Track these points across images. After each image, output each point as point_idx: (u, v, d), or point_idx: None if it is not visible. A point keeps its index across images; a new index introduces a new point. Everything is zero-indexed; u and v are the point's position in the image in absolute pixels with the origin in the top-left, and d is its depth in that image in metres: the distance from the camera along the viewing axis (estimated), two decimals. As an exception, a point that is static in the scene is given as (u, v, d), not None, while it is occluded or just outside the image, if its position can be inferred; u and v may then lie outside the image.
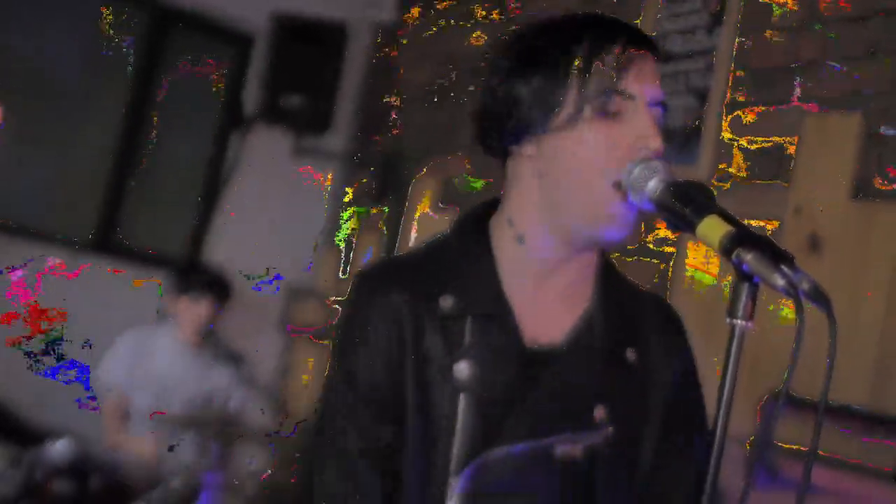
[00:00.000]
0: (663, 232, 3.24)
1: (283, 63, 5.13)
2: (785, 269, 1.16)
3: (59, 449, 3.49)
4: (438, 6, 5.16)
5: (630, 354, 1.45)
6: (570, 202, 1.39)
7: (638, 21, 3.63)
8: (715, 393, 1.22)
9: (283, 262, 5.41)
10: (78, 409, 4.44)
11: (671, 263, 3.21)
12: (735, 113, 3.20)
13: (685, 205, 1.28)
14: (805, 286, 1.16)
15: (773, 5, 3.16)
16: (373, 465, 1.39)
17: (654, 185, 1.32)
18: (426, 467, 1.37)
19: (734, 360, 1.20)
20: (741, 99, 3.19)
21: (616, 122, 1.37)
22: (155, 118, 5.47)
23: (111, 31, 5.39)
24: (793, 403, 1.43)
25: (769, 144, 3.07)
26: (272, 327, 5.54)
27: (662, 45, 3.48)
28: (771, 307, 2.49)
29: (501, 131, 1.43)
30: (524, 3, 4.44)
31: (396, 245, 4.86)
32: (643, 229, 3.29)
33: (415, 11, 5.37)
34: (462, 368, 1.38)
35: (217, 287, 4.40)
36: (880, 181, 2.69)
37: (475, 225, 1.49)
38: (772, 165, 3.04)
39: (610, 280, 1.50)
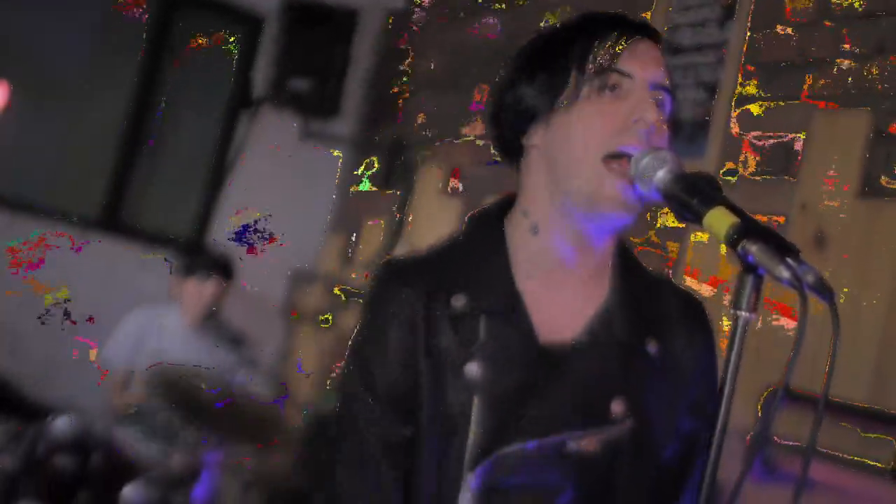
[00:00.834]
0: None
1: (292, 46, 5.13)
2: (790, 261, 1.16)
3: (61, 425, 3.51)
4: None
5: (651, 346, 1.44)
6: (567, 178, 1.40)
7: (649, 13, 3.63)
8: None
9: (287, 246, 5.42)
10: (81, 386, 4.46)
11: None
12: (744, 107, 3.20)
13: (692, 195, 1.28)
14: (810, 279, 1.16)
15: (786, 0, 3.15)
16: (391, 463, 1.40)
17: (662, 175, 1.32)
18: (441, 464, 1.38)
19: (737, 352, 1.20)
20: (750, 93, 3.19)
21: (615, 98, 1.39)
22: (163, 98, 5.47)
23: (121, 10, 5.39)
24: (792, 398, 1.43)
25: (777, 140, 3.07)
26: (276, 311, 5.56)
27: (672, 38, 3.47)
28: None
29: (512, 128, 1.46)
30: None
31: (403, 231, 4.86)
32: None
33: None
34: (473, 368, 1.38)
35: (221, 268, 4.41)
36: (887, 180, 2.69)
37: (490, 222, 1.50)
38: (779, 161, 3.04)
39: (629, 271, 1.50)
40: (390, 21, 5.61)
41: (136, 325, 4.32)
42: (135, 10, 5.33)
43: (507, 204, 1.51)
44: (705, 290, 3.01)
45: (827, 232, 2.78)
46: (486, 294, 1.42)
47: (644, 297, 1.48)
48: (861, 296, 2.62)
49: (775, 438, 2.48)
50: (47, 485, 3.41)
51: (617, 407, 1.40)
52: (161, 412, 3.70)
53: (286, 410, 4.41)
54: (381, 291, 1.46)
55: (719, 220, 1.24)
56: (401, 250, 4.79)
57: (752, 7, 3.25)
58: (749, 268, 1.20)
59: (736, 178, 3.12)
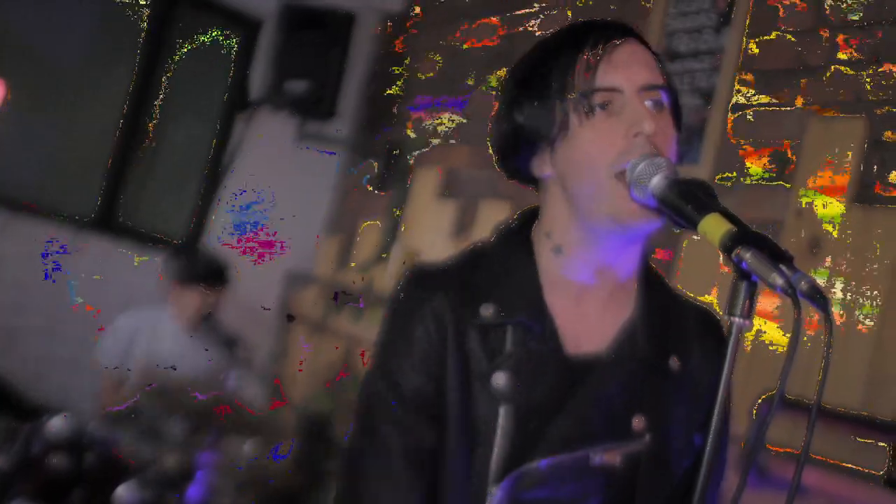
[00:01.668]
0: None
1: (290, 48, 5.14)
2: (784, 268, 1.17)
3: (55, 424, 3.50)
4: (447, -3, 5.16)
5: (673, 363, 1.45)
6: (585, 202, 1.40)
7: (645, 20, 3.64)
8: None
9: (283, 248, 5.42)
10: (76, 386, 4.46)
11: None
12: (739, 114, 3.21)
13: (687, 202, 1.29)
14: (804, 286, 1.16)
15: (781, 8, 3.16)
16: (414, 467, 1.38)
17: (657, 181, 1.33)
18: (466, 474, 1.37)
19: (730, 358, 1.21)
20: (746, 100, 3.20)
21: (609, 115, 1.38)
22: (160, 99, 5.47)
23: (119, 10, 5.39)
24: (786, 405, 1.43)
25: (772, 146, 3.08)
26: (271, 312, 5.55)
27: (669, 44, 3.48)
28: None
29: (518, 159, 1.47)
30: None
31: (398, 234, 4.87)
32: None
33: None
34: (500, 377, 1.37)
35: (215, 275, 4.40)
36: (881, 186, 2.71)
37: (518, 235, 1.50)
38: (774, 167, 3.05)
39: (653, 288, 1.50)
40: (388, 25, 5.62)
41: (129, 326, 4.31)
42: (133, 15, 5.33)
43: (532, 216, 1.51)
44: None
45: (821, 238, 2.79)
46: (514, 305, 1.41)
47: (666, 313, 1.49)
48: (855, 301, 2.63)
49: (768, 445, 2.48)
50: (41, 484, 3.41)
51: (638, 423, 1.40)
52: (154, 412, 3.70)
53: (280, 412, 4.41)
54: (410, 296, 1.44)
55: (714, 227, 1.24)
56: (396, 252, 4.79)
57: (748, 14, 3.26)
58: (743, 275, 1.20)
59: (731, 185, 3.13)
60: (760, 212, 2.94)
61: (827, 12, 3.01)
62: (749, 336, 2.78)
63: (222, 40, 5.59)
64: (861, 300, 2.63)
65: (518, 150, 1.45)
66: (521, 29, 4.46)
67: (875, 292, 2.61)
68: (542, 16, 4.32)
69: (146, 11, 5.39)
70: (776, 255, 1.18)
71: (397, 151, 5.11)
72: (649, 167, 1.34)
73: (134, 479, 3.46)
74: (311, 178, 5.59)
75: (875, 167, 2.74)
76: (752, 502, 1.54)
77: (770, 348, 2.71)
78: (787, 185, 2.97)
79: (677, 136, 1.46)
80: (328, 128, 5.43)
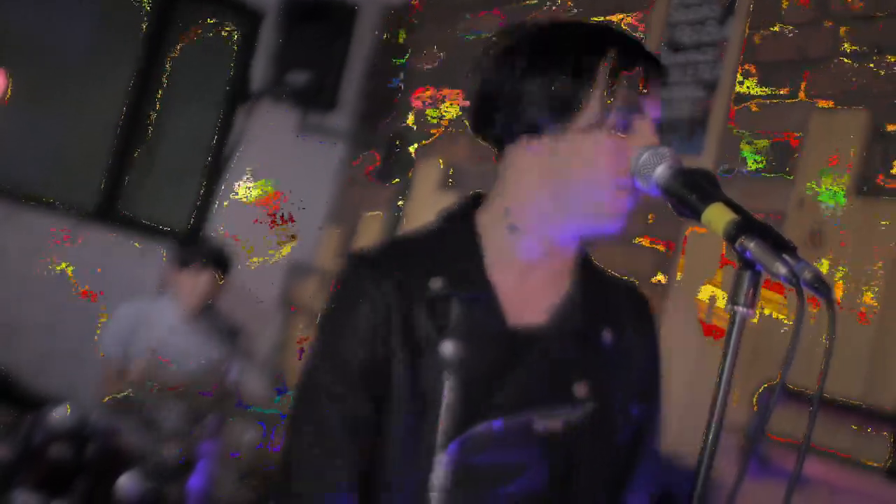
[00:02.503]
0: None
1: (292, 39, 5.13)
2: (787, 257, 1.18)
3: (57, 415, 3.51)
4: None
5: (606, 335, 1.52)
6: (578, 202, 1.44)
7: (648, 11, 3.63)
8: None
9: (285, 238, 5.43)
10: (78, 376, 4.46)
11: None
12: (742, 105, 3.21)
13: (691, 191, 1.30)
14: (807, 275, 1.17)
15: (785, -1, 3.16)
16: (348, 432, 1.43)
17: (661, 170, 1.34)
18: (413, 442, 1.42)
19: (733, 348, 1.21)
20: (749, 92, 3.20)
21: (629, 133, 1.41)
22: (161, 90, 5.47)
23: (121, 2, 5.39)
24: (787, 395, 1.44)
25: (775, 138, 3.08)
26: (272, 303, 5.56)
27: (672, 35, 3.48)
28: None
29: (505, 124, 1.47)
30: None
31: (400, 225, 4.87)
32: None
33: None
34: (448, 346, 1.42)
35: (218, 261, 4.40)
36: (884, 178, 2.71)
37: (461, 216, 1.54)
38: (777, 159, 3.05)
39: (588, 267, 1.56)
40: (390, 17, 5.61)
41: (130, 316, 4.30)
42: (134, 6, 5.33)
43: (475, 201, 1.56)
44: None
45: (824, 229, 2.79)
46: (460, 279, 1.46)
47: (599, 291, 1.56)
48: (857, 293, 2.64)
49: (769, 434, 2.49)
50: (44, 474, 3.41)
51: (580, 389, 1.47)
52: (155, 402, 3.70)
53: (281, 402, 4.41)
54: (351, 275, 1.49)
55: (718, 216, 1.25)
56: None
57: (751, 6, 3.25)
58: (747, 264, 1.21)
59: (734, 176, 3.13)
60: (762, 203, 2.94)
61: (830, 4, 3.01)
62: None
63: (224, 32, 5.59)
64: (863, 291, 2.63)
65: (515, 116, 1.44)
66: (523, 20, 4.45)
67: (877, 282, 2.61)
68: (544, 7, 4.32)
69: (148, 3, 5.39)
70: (780, 245, 1.19)
71: (399, 143, 5.11)
72: (653, 157, 1.36)
73: (136, 469, 3.46)
74: (313, 169, 5.59)
75: (878, 159, 2.74)
76: (754, 492, 1.54)
77: (773, 338, 2.71)
78: (790, 177, 2.97)
79: None
80: (330, 119, 5.44)
